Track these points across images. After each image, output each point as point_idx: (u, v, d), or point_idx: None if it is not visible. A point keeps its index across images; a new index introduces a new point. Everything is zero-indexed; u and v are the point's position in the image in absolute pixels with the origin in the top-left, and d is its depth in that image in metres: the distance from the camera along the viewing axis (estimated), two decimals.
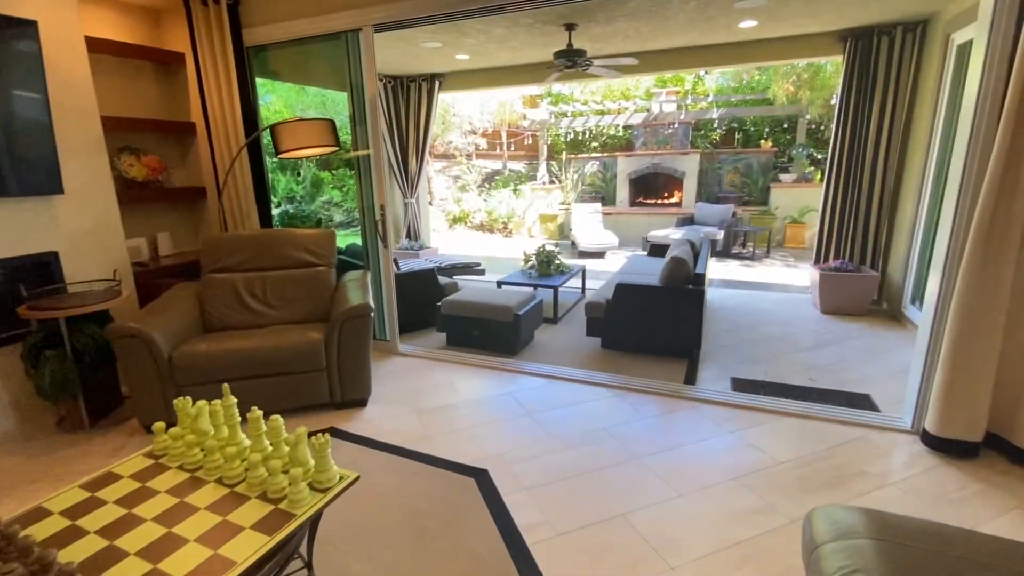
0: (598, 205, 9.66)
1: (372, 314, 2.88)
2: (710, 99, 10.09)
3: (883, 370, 3.64)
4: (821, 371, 3.64)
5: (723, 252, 8.44)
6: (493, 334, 4.01)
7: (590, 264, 7.88)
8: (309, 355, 2.81)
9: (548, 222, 10.82)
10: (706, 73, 10.73)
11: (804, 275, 6.93)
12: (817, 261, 5.49)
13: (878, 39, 4.74)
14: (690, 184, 10.20)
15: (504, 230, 11.58)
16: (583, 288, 5.88)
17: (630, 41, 5.03)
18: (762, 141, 10.25)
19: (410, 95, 6.96)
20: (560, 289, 4.96)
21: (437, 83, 6.81)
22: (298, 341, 2.82)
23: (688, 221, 8.92)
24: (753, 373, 3.62)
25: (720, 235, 8.18)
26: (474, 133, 12.82)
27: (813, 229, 9.32)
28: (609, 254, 8.63)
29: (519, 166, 14.33)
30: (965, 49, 3.97)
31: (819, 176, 9.75)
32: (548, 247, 5.44)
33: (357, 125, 3.70)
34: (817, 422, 2.81)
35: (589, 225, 9.40)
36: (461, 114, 11.79)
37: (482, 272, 6.23)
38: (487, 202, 11.89)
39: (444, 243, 10.43)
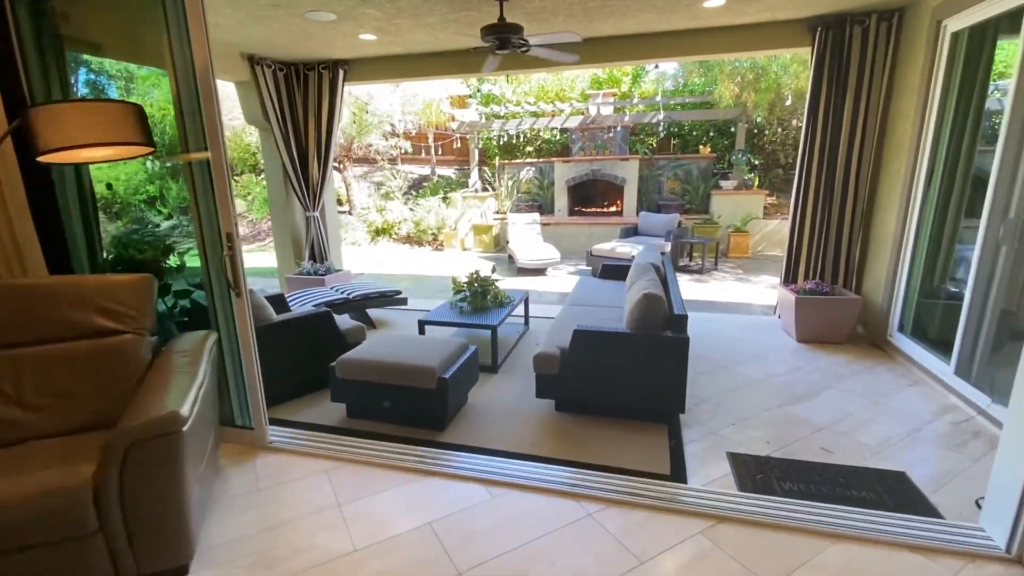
0: (536, 215, 8.79)
1: (186, 426, 1.70)
2: (656, 100, 9.53)
3: (899, 426, 2.94)
4: (830, 434, 2.88)
5: (675, 267, 7.81)
6: (411, 405, 2.91)
7: (530, 282, 6.96)
8: (65, 513, 1.59)
9: (482, 233, 9.81)
10: (656, 67, 10.17)
11: (759, 291, 6.39)
12: (787, 280, 4.87)
13: (850, 28, 4.15)
14: (631, 191, 9.60)
15: (434, 242, 10.43)
16: (526, 316, 4.90)
17: (575, 21, 4.13)
18: (701, 146, 9.85)
19: (308, 87, 5.69)
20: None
21: (341, 72, 5.59)
22: (43, 488, 1.59)
23: (632, 232, 8.24)
24: (752, 441, 2.79)
25: (667, 247, 7.54)
26: (396, 135, 11.57)
27: (756, 237, 9.01)
28: (551, 270, 7.76)
29: (449, 172, 13.23)
30: (961, 37, 3.40)
31: (757, 183, 9.48)
32: (483, 272, 4.41)
33: (186, 116, 2.48)
34: (881, 549, 1.97)
35: (527, 238, 8.49)
36: (379, 112, 10.50)
37: (403, 302, 5.12)
38: (414, 211, 10.69)
39: (364, 260, 9.11)
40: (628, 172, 9.47)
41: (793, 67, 6.42)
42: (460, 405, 3.21)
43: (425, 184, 12.37)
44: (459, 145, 11.93)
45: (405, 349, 3.09)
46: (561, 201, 10.02)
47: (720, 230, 8.69)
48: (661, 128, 8.70)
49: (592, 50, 4.75)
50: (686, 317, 2.91)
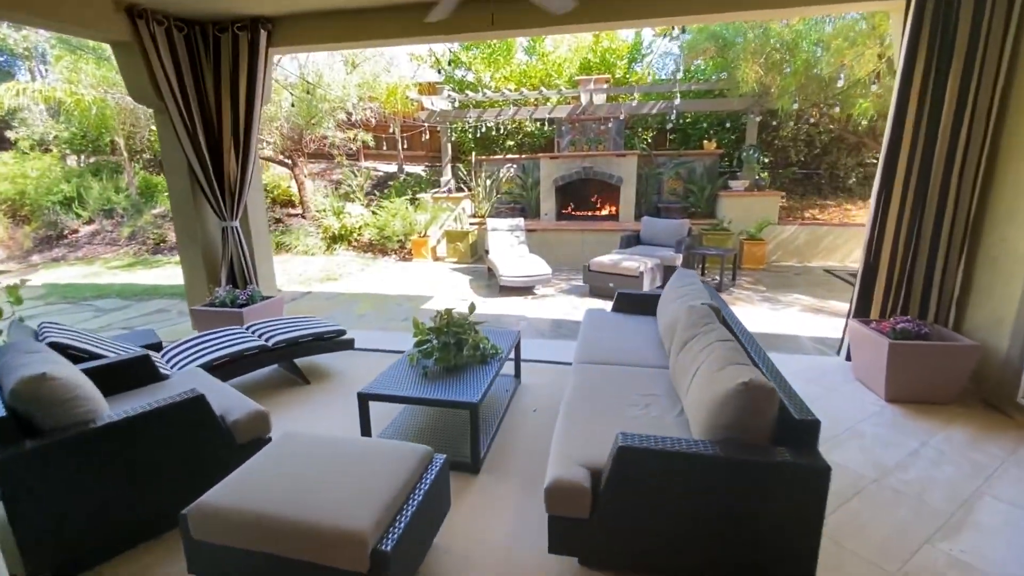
0: (520, 220, 7.48)
1: None
2: (673, 84, 8.27)
3: None
4: None
5: None
6: None
7: (516, 305, 5.63)
8: None
9: (456, 241, 8.45)
10: (661, 32, 8.84)
11: (797, 316, 5.23)
12: (860, 312, 3.69)
13: None
14: (628, 193, 8.38)
15: (401, 251, 9.02)
16: (517, 364, 3.59)
17: None
18: (705, 141, 8.70)
19: (220, 53, 4.24)
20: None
21: (263, 33, 4.17)
22: None
23: (634, 240, 7.02)
24: None
25: (678, 259, 6.34)
26: (353, 125, 10.07)
27: (769, 246, 7.91)
28: (540, 287, 6.46)
29: (418, 169, 11.80)
30: None
31: (770, 182, 8.38)
32: (457, 313, 3.08)
33: None
34: None
35: (510, 247, 7.18)
36: (332, 97, 9.00)
37: (348, 345, 3.76)
38: (377, 215, 9.25)
39: (315, 275, 7.63)
40: (625, 170, 8.24)
41: (835, 43, 5.30)
42: (412, 571, 1.87)
43: (391, 183, 10.92)
44: (428, 137, 10.51)
45: (320, 477, 1.74)
46: (548, 204, 8.74)
47: (732, 238, 7.55)
48: (672, 117, 7.47)
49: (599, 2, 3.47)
50: (817, 425, 1.65)
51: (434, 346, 2.91)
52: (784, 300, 5.84)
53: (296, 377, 3.69)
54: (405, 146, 11.50)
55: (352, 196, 10.32)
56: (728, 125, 8.94)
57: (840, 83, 5.03)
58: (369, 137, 10.42)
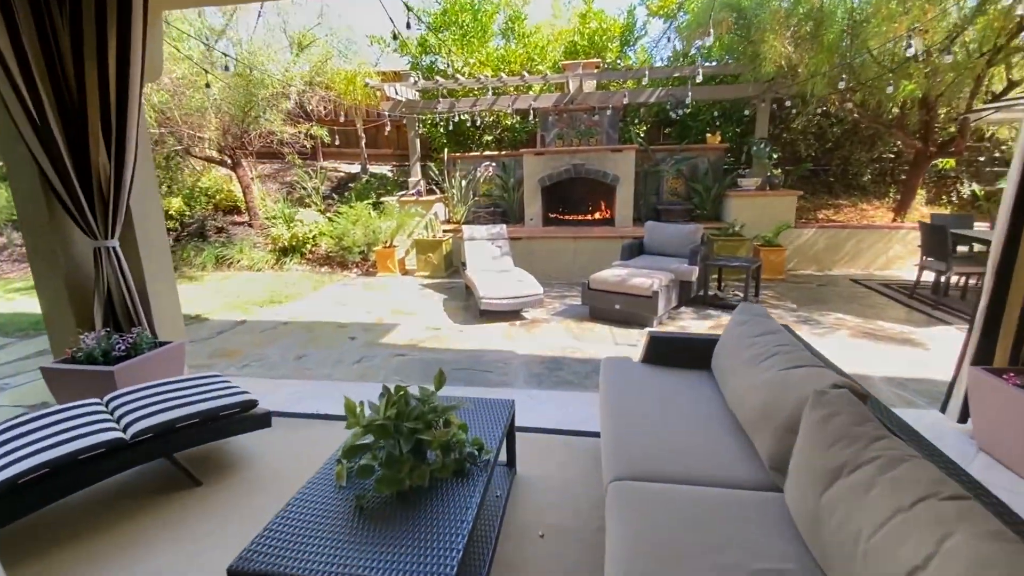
0: (501, 227, 6.34)
1: None
2: (697, 59, 7.19)
3: None
4: None
5: (700, 299, 5.59)
6: None
7: (501, 334, 4.43)
8: None
9: (428, 252, 7.27)
10: (657, 10, 7.76)
11: (849, 345, 4.23)
12: (982, 356, 2.67)
13: None
14: (625, 193, 7.32)
15: (363, 264, 7.78)
16: (511, 450, 2.44)
17: None
18: (709, 135, 7.71)
19: (80, 7, 2.98)
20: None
21: None
22: None
23: (637, 249, 5.96)
24: None
25: (694, 272, 5.30)
26: (304, 117, 8.76)
27: (787, 252, 6.95)
28: (528, 310, 5.33)
29: (384, 169, 10.55)
30: None
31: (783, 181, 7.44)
32: (415, 393, 1.93)
33: None
34: None
35: (491, 260, 6.04)
36: (271, 82, 7.67)
37: (264, 422, 2.56)
38: (335, 223, 7.97)
39: (255, 297, 6.30)
40: (622, 168, 7.18)
41: (891, 4, 4.33)
42: None
43: (352, 185, 9.65)
44: (391, 131, 9.26)
45: None
46: (533, 207, 7.62)
47: (746, 244, 6.56)
48: (686, 103, 6.36)
49: None
50: None
51: (375, 456, 1.75)
52: (824, 321, 4.85)
53: (186, 474, 2.48)
54: (366, 142, 10.22)
55: (308, 201, 9.01)
56: (731, 116, 7.97)
57: (911, 51, 4.03)
58: (324, 132, 9.12)
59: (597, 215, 7.91)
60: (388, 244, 7.50)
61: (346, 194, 9.25)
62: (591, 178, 7.33)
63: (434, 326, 5.03)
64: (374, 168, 10.55)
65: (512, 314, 5.22)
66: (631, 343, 4.40)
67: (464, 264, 6.10)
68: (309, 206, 9.02)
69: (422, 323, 5.14)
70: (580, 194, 7.87)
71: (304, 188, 8.99)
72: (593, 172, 7.26)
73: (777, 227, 6.59)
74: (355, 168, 10.64)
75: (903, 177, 7.81)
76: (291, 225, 8.06)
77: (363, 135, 10.06)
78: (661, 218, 7.59)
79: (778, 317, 5.00)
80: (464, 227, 6.34)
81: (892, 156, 7.99)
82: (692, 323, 4.98)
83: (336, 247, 7.83)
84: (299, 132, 8.66)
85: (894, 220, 7.43)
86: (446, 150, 8.46)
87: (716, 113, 8.10)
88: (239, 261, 8.11)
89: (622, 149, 7.12)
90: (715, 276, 6.03)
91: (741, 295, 5.50)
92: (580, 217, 7.88)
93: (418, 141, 8.42)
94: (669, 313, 5.14)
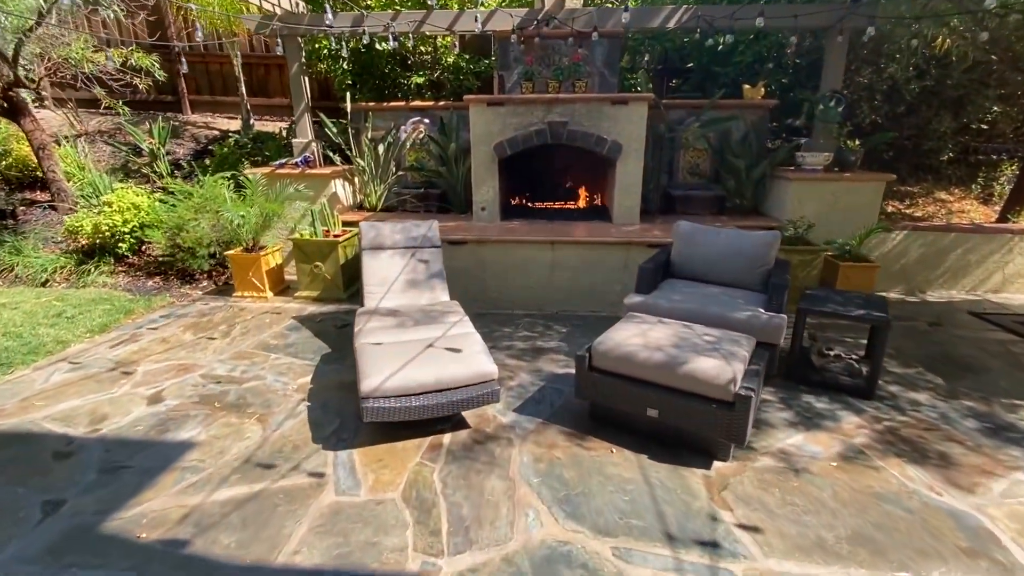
0: (429, 226, 3.66)
1: None
2: None
3: None
4: None
5: (796, 374, 3.10)
6: None
7: (391, 509, 1.82)
8: None
9: (316, 258, 4.48)
10: None
11: None
12: None
13: None
14: (630, 171, 4.69)
15: (217, 276, 4.90)
16: None
17: None
18: (746, 86, 5.16)
19: None
20: None
21: None
22: None
23: (662, 269, 3.42)
24: None
25: (782, 329, 2.80)
26: (130, 43, 5.57)
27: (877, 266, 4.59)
28: (469, 412, 2.68)
29: (281, 126, 7.48)
30: None
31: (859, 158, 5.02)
32: None
33: None
34: None
35: (403, 294, 3.38)
36: None
37: None
38: (172, 206, 4.95)
39: None
40: (625, 129, 4.55)
41: None
42: None
43: (212, 148, 6.58)
44: (294, 71, 6.17)
45: None
46: (486, 190, 4.89)
47: (819, 258, 4.17)
48: (760, 24, 3.58)
49: None
50: None
51: None
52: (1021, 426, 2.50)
53: None
54: (249, 87, 7.10)
55: (145, 171, 5.93)
56: (778, 57, 5.46)
57: None
58: (151, 62, 5.88)
59: (583, 203, 5.30)
60: (251, 246, 4.64)
61: (207, 160, 6.20)
62: (576, 145, 4.64)
63: (265, 460, 2.33)
64: (262, 126, 7.45)
65: (432, 423, 2.59)
66: (703, 515, 1.88)
67: (367, 288, 3.40)
68: (152, 181, 5.95)
69: (243, 444, 2.44)
70: (559, 169, 5.19)
71: (134, 152, 5.87)
72: (580, 136, 4.58)
73: (866, 231, 4.21)
74: (237, 125, 7.52)
75: (1003, 158, 5.61)
76: (98, 209, 5.02)
77: (241, 76, 6.93)
78: (676, 208, 5.09)
79: (940, 416, 2.61)
80: (362, 225, 3.60)
81: (986, 127, 5.76)
82: (797, 440, 2.50)
83: (169, 247, 4.89)
84: (114, 60, 5.46)
85: (1001, 219, 5.25)
86: (349, 95, 5.52)
87: (766, 52, 5.52)
88: (17, 268, 5.04)
89: (628, 100, 4.46)
90: (811, 337, 3.53)
91: (854, 359, 3.06)
92: (558, 206, 5.25)
93: (306, 81, 5.43)
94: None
